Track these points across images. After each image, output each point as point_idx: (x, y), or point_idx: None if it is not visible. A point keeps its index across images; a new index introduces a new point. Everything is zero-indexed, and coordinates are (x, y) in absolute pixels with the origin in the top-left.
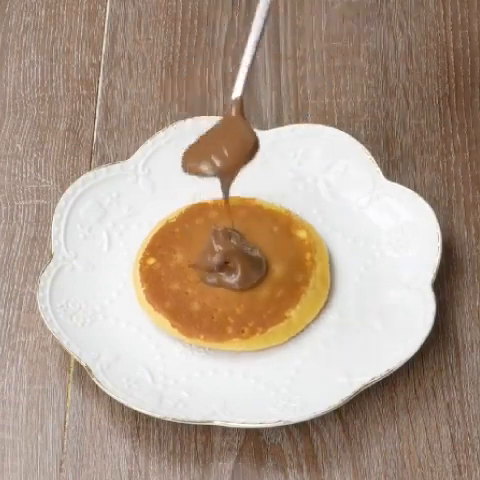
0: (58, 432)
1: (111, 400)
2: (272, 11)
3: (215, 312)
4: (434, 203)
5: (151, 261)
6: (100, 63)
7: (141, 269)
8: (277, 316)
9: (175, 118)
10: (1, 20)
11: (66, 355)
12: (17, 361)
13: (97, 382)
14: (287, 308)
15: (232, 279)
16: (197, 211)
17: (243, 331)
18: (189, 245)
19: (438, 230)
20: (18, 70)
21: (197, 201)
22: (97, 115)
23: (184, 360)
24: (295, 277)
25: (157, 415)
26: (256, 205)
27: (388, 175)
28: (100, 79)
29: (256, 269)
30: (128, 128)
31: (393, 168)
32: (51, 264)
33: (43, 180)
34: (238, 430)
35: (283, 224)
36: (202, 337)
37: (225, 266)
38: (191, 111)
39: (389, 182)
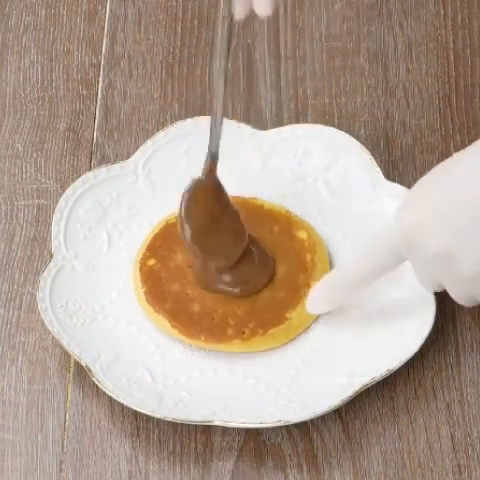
0: (58, 432)
1: (111, 400)
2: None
3: (215, 313)
4: None
5: (151, 262)
6: (100, 63)
7: (141, 270)
8: (278, 317)
9: (175, 118)
10: (1, 20)
11: (66, 355)
12: (17, 361)
13: (97, 382)
14: (288, 309)
15: (235, 289)
16: None
17: (243, 332)
18: None
19: None
20: (18, 70)
21: None
22: (97, 115)
23: (184, 360)
24: (295, 278)
25: (157, 415)
26: (256, 205)
27: (388, 175)
28: (100, 79)
29: (260, 276)
30: (128, 128)
31: (393, 168)
32: (51, 264)
33: (43, 180)
34: (238, 430)
35: (283, 224)
36: (202, 338)
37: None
38: (191, 111)
39: (389, 182)
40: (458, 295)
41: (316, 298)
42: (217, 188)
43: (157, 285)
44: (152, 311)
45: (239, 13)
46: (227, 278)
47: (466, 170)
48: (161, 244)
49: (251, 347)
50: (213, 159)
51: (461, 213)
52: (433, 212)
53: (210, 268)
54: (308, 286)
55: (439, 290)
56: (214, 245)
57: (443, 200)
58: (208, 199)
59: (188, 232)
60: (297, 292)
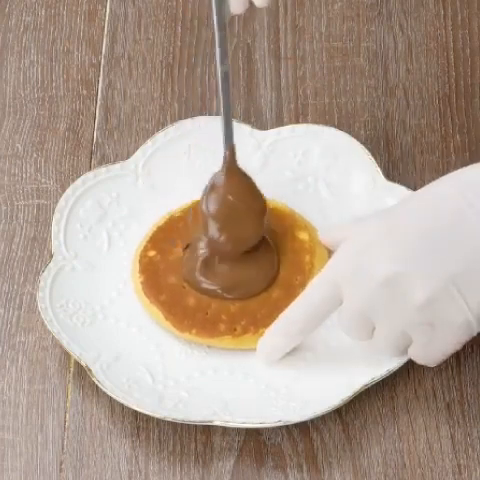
0: (58, 432)
1: (111, 400)
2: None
3: (209, 308)
4: None
5: (151, 253)
6: (100, 63)
7: (141, 260)
8: (270, 317)
9: (175, 118)
10: (1, 20)
11: (66, 355)
12: (17, 361)
13: (97, 382)
14: (281, 309)
15: (226, 293)
16: None
17: (235, 329)
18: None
19: None
20: (18, 70)
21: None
22: (97, 115)
23: (184, 360)
24: (292, 279)
25: (157, 415)
26: None
27: (388, 175)
28: (100, 79)
29: (255, 284)
30: (128, 128)
31: (393, 168)
32: (51, 264)
33: (43, 180)
34: (238, 430)
35: (286, 224)
36: (194, 332)
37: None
38: (191, 111)
39: (389, 182)
40: (391, 337)
41: (267, 349)
42: (238, 176)
43: (154, 276)
44: (147, 302)
45: (236, 7)
46: (220, 280)
47: (414, 195)
48: (163, 237)
49: (241, 344)
50: (230, 149)
51: (411, 230)
52: (380, 234)
53: (209, 265)
54: (304, 287)
55: (366, 339)
56: (231, 230)
57: (390, 219)
58: (229, 187)
59: (210, 220)
60: (293, 293)
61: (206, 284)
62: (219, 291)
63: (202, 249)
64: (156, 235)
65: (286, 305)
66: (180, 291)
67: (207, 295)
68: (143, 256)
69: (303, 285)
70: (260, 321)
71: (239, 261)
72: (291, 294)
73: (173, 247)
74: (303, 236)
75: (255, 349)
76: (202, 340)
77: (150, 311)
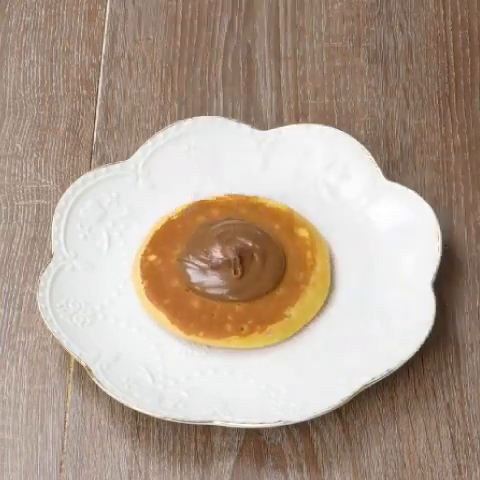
0: (58, 432)
1: (111, 400)
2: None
3: (214, 309)
4: (434, 203)
5: (152, 257)
6: (100, 63)
7: (142, 265)
8: (276, 314)
9: (175, 118)
10: (1, 20)
11: (66, 355)
12: (17, 361)
13: (97, 382)
14: (286, 307)
15: (229, 295)
16: (198, 208)
17: (242, 329)
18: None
19: (438, 230)
20: (18, 70)
21: (198, 199)
22: (97, 115)
23: (184, 360)
24: (295, 276)
25: (157, 415)
26: (258, 203)
27: (388, 175)
28: (100, 79)
29: (257, 287)
30: (128, 128)
31: (393, 168)
32: (51, 264)
33: (43, 180)
34: (238, 430)
35: (285, 222)
36: (201, 334)
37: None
38: (191, 111)
39: (389, 182)
40: None
41: None
42: None
43: (157, 281)
44: (152, 306)
45: None
46: (224, 284)
47: None
48: (162, 240)
49: (249, 343)
50: None
51: None
52: None
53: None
54: (307, 283)
55: None
56: None
57: None
58: None
59: None
60: (296, 289)
61: (212, 290)
62: (226, 295)
63: (203, 256)
64: (155, 239)
65: (290, 302)
66: (184, 294)
67: (213, 300)
68: (143, 261)
69: (306, 282)
70: (266, 319)
71: (248, 264)
72: (294, 291)
73: (173, 250)
74: (303, 233)
75: (262, 348)
76: (209, 342)
77: (155, 316)
